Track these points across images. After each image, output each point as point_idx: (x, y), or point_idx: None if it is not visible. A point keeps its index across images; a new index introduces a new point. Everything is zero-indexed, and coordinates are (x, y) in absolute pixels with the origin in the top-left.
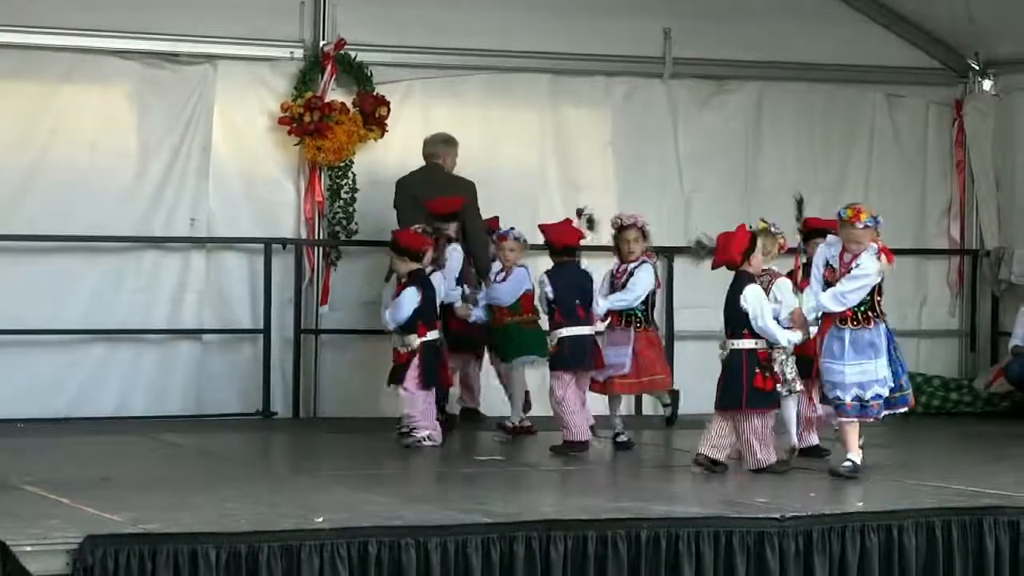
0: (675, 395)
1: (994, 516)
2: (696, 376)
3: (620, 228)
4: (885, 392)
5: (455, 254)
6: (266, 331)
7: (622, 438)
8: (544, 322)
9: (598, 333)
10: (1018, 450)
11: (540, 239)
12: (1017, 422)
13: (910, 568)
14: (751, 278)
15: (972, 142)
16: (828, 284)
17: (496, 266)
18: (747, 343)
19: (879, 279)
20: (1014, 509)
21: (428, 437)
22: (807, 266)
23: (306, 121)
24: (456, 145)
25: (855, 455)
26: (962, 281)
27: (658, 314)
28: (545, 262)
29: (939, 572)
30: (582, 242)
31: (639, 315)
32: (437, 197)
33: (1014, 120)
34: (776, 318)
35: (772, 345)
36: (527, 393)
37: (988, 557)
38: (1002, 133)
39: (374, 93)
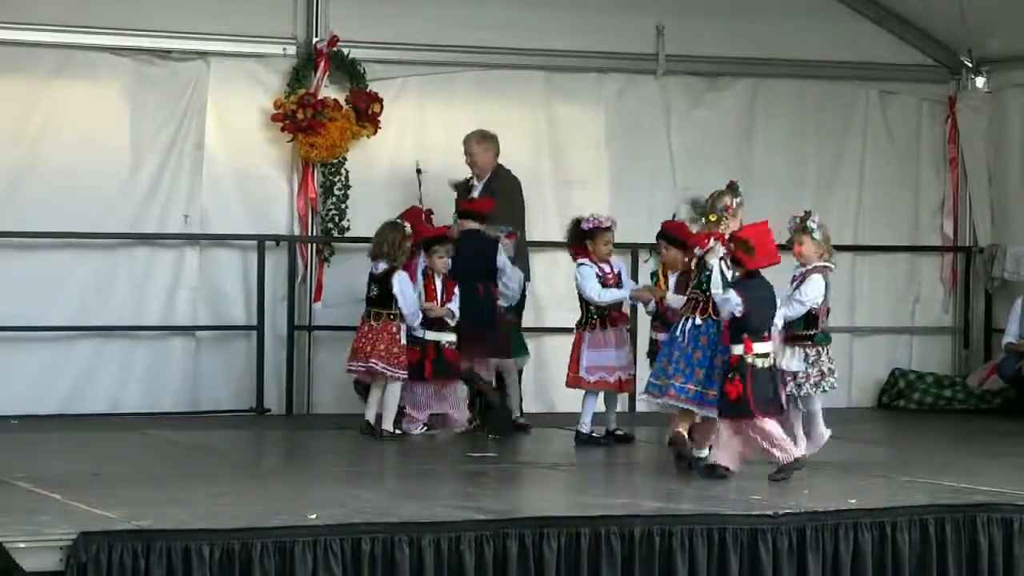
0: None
1: (987, 513)
2: None
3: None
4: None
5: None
6: (259, 328)
7: (619, 432)
8: None
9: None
10: (1011, 447)
11: (540, 236)
12: (1010, 419)
13: (903, 565)
14: None
15: (965, 139)
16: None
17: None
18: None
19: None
20: (1007, 506)
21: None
22: None
23: (299, 118)
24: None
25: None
26: (955, 278)
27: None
28: (546, 258)
29: (932, 569)
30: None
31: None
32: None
33: (1007, 117)
34: None
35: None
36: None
37: (981, 554)
38: (995, 130)
39: (367, 90)
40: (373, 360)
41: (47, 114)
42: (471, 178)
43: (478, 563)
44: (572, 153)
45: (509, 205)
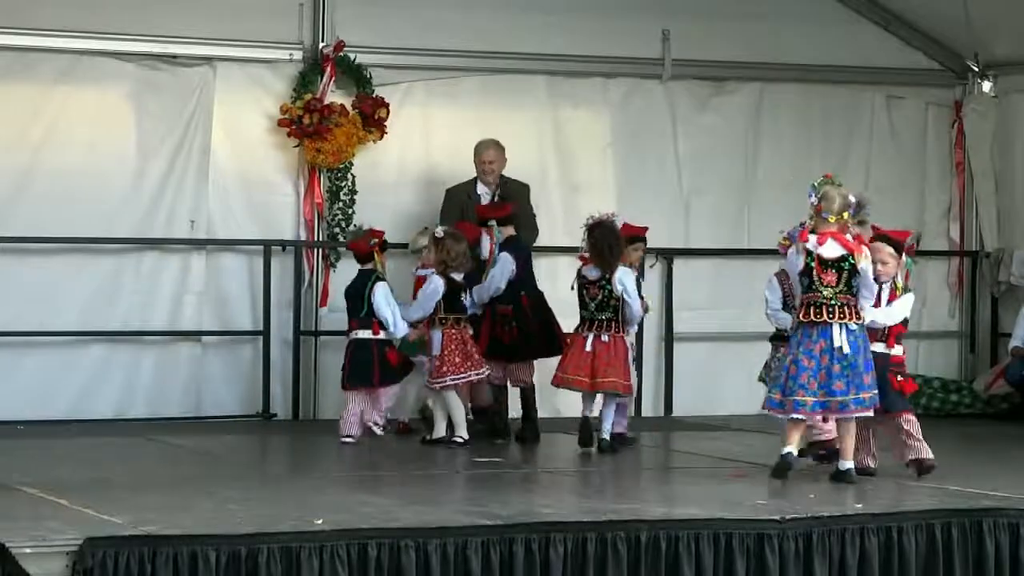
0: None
1: (994, 517)
2: (694, 377)
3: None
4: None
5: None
6: (266, 333)
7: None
8: None
9: None
10: (1018, 452)
11: (547, 241)
12: (1016, 424)
13: (910, 570)
14: None
15: (971, 143)
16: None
17: None
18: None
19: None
20: (1014, 511)
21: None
22: None
23: (305, 123)
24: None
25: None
26: (962, 282)
27: (657, 316)
28: (552, 262)
29: (939, 573)
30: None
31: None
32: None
33: (1013, 121)
34: None
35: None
36: None
37: (988, 558)
38: (1001, 134)
39: (373, 95)
40: None
41: (52, 119)
42: (473, 184)
43: (484, 568)
44: (578, 157)
45: (525, 209)
